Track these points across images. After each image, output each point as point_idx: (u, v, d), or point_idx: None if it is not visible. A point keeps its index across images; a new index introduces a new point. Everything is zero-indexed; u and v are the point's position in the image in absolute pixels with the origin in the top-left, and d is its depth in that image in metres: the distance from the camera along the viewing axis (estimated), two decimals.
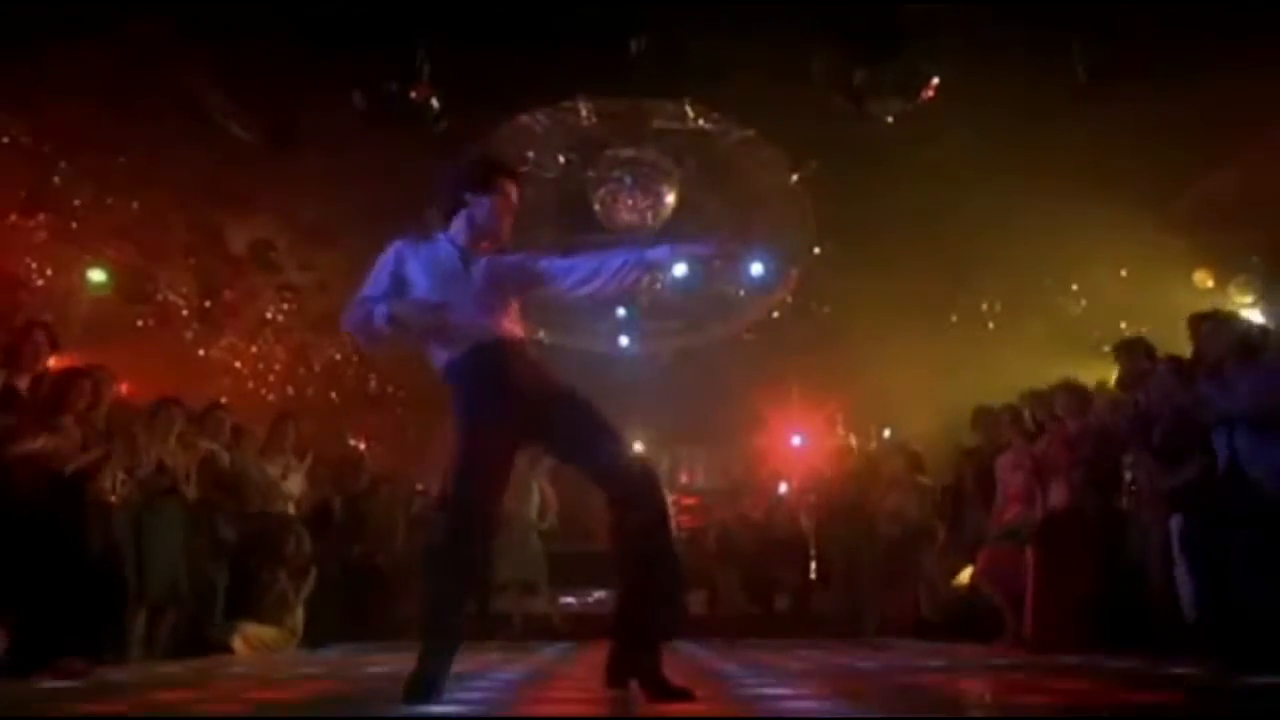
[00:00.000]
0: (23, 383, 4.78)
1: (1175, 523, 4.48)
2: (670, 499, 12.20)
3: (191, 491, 5.83)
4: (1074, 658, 4.47)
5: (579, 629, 7.86)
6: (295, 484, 6.91)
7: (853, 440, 9.59)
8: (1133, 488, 5.31)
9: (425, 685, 2.85)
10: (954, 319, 11.39)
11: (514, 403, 3.06)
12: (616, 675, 3.04)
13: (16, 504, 4.43)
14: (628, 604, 3.09)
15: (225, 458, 6.37)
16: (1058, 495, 5.42)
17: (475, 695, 3.21)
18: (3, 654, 4.23)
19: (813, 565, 8.59)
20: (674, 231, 11.42)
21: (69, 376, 4.99)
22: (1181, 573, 4.39)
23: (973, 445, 6.94)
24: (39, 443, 4.57)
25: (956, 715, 2.68)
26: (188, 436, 5.98)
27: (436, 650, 2.95)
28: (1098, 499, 5.33)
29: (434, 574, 3.11)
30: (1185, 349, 5.25)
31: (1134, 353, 5.28)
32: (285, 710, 2.95)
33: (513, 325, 3.24)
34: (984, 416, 6.71)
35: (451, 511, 3.07)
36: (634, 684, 2.98)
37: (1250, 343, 4.41)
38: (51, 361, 5.27)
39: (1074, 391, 5.64)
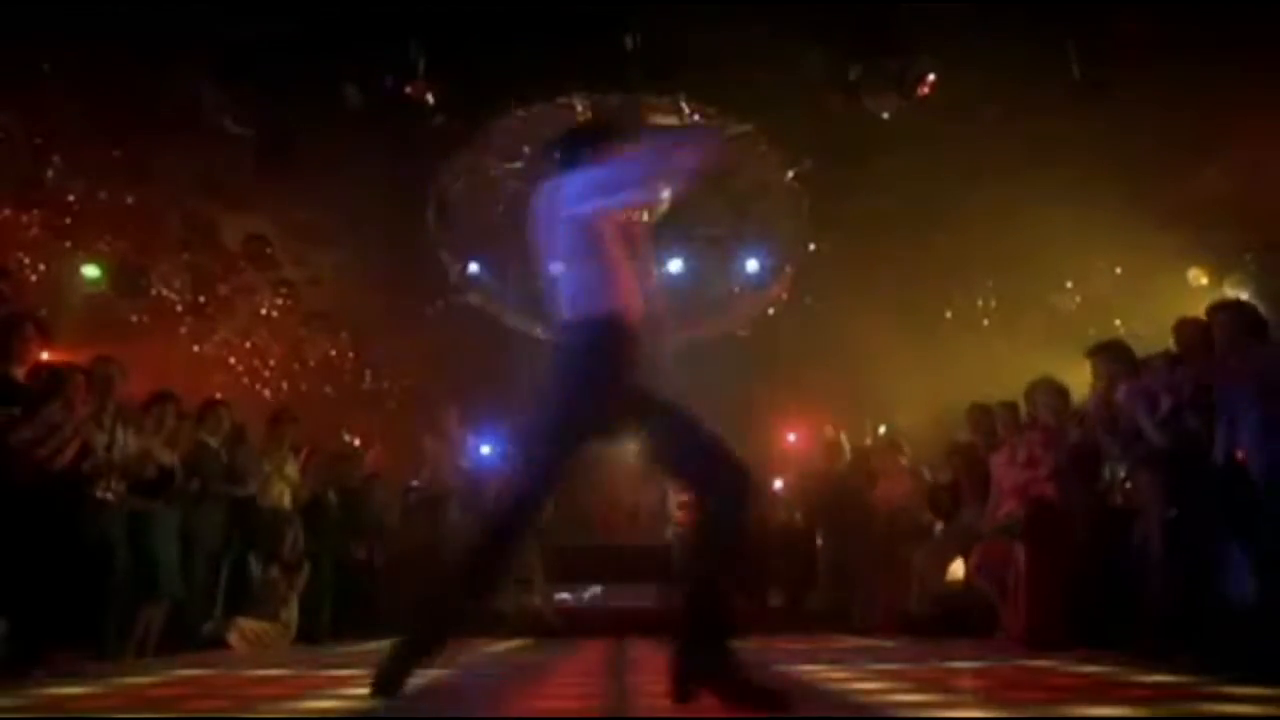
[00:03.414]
0: (14, 373, 4.76)
1: (1167, 520, 4.51)
2: (669, 496, 12.21)
3: (188, 487, 5.82)
4: (1066, 654, 4.48)
5: (574, 625, 7.87)
6: (291, 479, 6.90)
7: (843, 437, 9.61)
8: (1126, 484, 5.33)
9: (390, 680, 2.76)
10: (949, 315, 11.42)
11: (632, 384, 2.75)
12: (686, 684, 2.61)
13: (11, 499, 4.42)
14: (699, 597, 2.69)
15: (222, 453, 6.37)
16: (1043, 489, 5.45)
17: (470, 691, 3.22)
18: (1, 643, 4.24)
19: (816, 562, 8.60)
20: (669, 227, 11.44)
21: (63, 371, 4.97)
22: (1172, 570, 4.42)
23: (967, 441, 6.95)
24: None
25: (951, 711, 2.69)
26: (182, 431, 5.97)
27: (417, 644, 2.82)
28: (1084, 494, 5.34)
29: (459, 565, 2.94)
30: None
31: (1109, 356, 5.29)
32: (281, 705, 2.95)
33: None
34: (979, 414, 6.73)
35: (511, 501, 2.87)
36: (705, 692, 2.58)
37: (1257, 324, 4.41)
38: (44, 355, 5.26)
39: (1053, 388, 5.67)
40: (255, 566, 6.53)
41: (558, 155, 3.09)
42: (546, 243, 2.98)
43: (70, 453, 4.77)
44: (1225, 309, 4.64)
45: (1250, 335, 4.36)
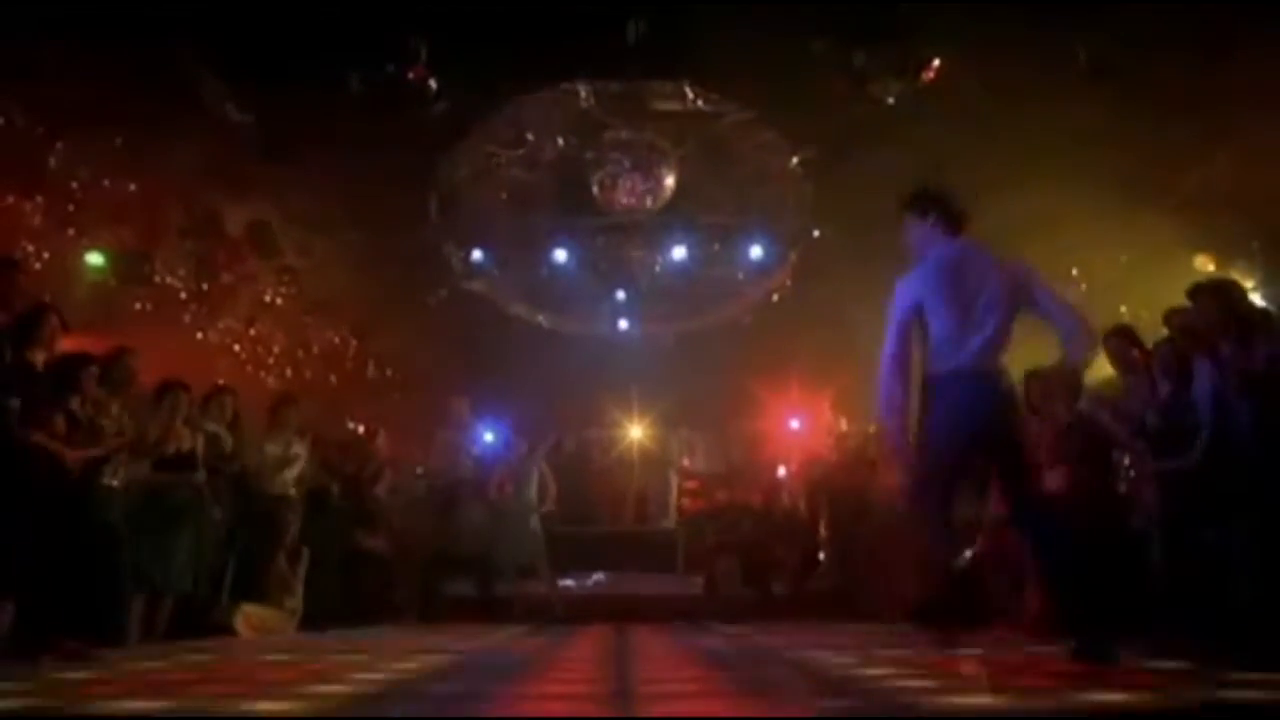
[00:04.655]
0: (37, 359, 4.77)
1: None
2: (673, 482, 12.19)
3: (199, 475, 5.82)
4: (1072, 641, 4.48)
5: (578, 611, 7.89)
6: (297, 466, 6.89)
7: (843, 424, 9.60)
8: (1130, 473, 5.33)
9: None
10: None
11: None
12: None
13: (21, 486, 4.43)
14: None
15: (228, 440, 6.36)
16: (1054, 481, 5.42)
17: (472, 677, 3.23)
18: (7, 629, 4.26)
19: (821, 551, 8.61)
20: (673, 213, 11.43)
21: (77, 359, 4.98)
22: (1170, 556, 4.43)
23: None
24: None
25: (957, 696, 2.70)
26: (192, 419, 5.97)
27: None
28: (1094, 484, 5.32)
29: None
30: None
31: (1122, 340, 5.27)
32: (286, 689, 2.96)
33: None
34: None
35: None
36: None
37: (1248, 321, 4.40)
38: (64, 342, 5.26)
39: (1067, 379, 5.61)
40: (261, 554, 6.54)
41: (921, 209, 3.69)
42: (989, 299, 3.47)
43: (92, 457, 4.80)
44: (1205, 291, 4.60)
45: (1237, 327, 4.33)
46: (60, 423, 4.67)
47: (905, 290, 3.55)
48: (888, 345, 3.56)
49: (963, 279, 3.46)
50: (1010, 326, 3.46)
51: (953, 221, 3.65)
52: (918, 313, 3.49)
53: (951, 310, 3.40)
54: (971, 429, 3.38)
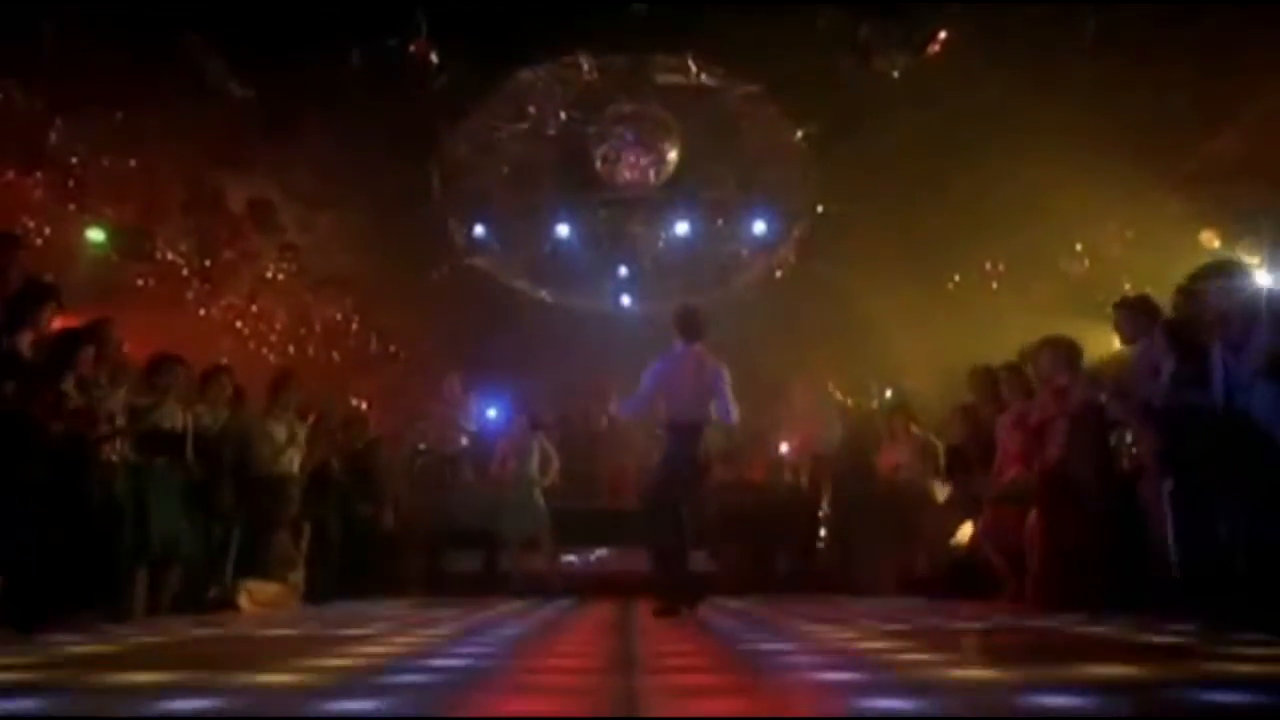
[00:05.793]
0: (24, 341, 4.77)
1: (1166, 485, 4.51)
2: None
3: (189, 452, 5.81)
4: (1073, 616, 4.50)
5: (580, 586, 7.93)
6: (299, 444, 6.89)
7: (849, 401, 9.59)
8: (1133, 450, 5.31)
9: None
10: (957, 279, 11.33)
11: None
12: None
13: (20, 462, 4.44)
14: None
15: (215, 425, 6.33)
16: (1052, 453, 5.42)
17: (476, 651, 3.24)
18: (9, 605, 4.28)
19: (821, 527, 8.61)
20: (676, 188, 11.36)
21: (71, 338, 4.97)
22: (1171, 532, 4.43)
23: (971, 404, 6.92)
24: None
25: (957, 670, 2.70)
26: (187, 396, 5.96)
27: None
28: (1091, 457, 5.31)
29: None
30: None
31: (1135, 312, 5.23)
32: (289, 662, 2.97)
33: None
34: (980, 376, 6.69)
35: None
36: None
37: (1254, 308, 4.37)
38: (56, 323, 5.26)
39: (1058, 347, 5.61)
40: (264, 530, 6.54)
41: (684, 326, 5.58)
42: (702, 383, 5.47)
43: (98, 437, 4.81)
44: (1213, 274, 4.55)
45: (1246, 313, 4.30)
46: (56, 401, 4.66)
47: (654, 372, 5.45)
48: (639, 401, 5.63)
49: (695, 370, 5.40)
50: (709, 401, 5.42)
51: (695, 334, 5.53)
52: (661, 386, 5.42)
53: (684, 386, 5.36)
54: (688, 455, 5.32)
